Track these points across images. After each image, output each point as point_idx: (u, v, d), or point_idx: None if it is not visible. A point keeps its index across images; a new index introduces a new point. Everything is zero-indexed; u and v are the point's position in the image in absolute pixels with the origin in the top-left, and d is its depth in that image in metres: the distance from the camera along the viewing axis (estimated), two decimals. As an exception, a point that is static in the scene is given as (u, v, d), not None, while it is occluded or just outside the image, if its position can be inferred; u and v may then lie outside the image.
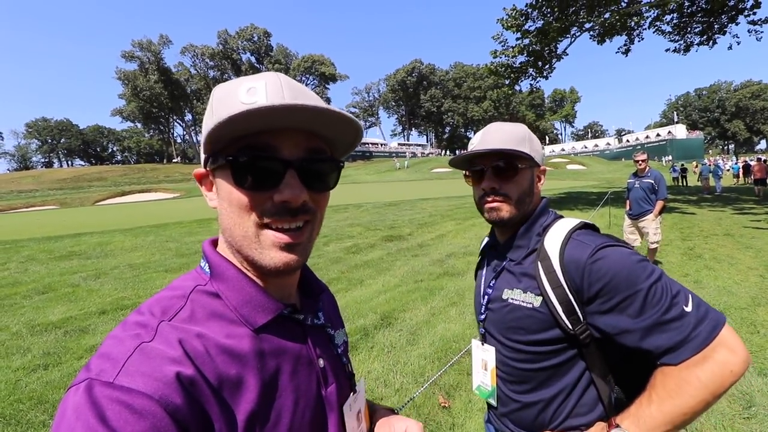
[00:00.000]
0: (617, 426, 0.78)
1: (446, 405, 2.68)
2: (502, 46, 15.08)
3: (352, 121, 0.52)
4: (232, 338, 0.50)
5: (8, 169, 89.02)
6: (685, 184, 25.45)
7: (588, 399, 0.89)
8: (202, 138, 0.51)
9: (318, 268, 6.37)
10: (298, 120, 0.50)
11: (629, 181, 5.71)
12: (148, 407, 0.39)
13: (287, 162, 0.51)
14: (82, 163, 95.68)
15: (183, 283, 0.55)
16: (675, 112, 78.98)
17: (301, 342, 0.59)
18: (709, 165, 20.88)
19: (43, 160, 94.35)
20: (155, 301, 0.52)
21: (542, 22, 14.17)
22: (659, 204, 5.34)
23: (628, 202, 5.75)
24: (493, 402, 1.03)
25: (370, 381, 3.01)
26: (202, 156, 0.55)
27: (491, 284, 1.03)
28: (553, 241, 0.89)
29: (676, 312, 0.75)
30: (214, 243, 0.60)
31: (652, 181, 5.37)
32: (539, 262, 0.89)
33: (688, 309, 0.75)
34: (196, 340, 0.47)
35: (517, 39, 14.73)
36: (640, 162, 5.52)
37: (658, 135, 61.46)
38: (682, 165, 28.10)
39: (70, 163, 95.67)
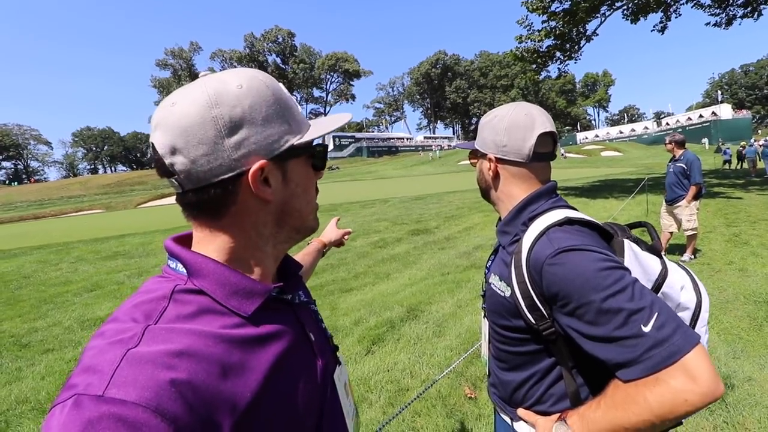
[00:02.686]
0: (563, 420, 0.80)
1: (473, 396, 2.68)
2: (528, 30, 14.57)
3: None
4: (228, 328, 0.50)
5: (61, 176, 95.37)
6: (741, 167, 22.83)
7: (557, 390, 0.90)
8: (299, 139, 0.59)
9: (345, 262, 6.48)
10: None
11: (668, 165, 5.55)
12: (144, 419, 0.37)
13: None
14: (124, 168, 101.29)
15: (158, 286, 0.52)
16: (719, 91, 73.84)
17: (292, 320, 0.61)
18: (757, 146, 19.32)
19: (88, 167, 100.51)
20: (132, 306, 0.49)
21: (570, 1, 13.58)
22: (692, 189, 5.11)
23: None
24: (487, 371, 1.12)
25: (396, 372, 3.05)
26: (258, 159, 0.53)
27: (488, 265, 1.08)
28: (531, 234, 0.87)
29: (630, 330, 0.70)
30: (177, 240, 0.58)
31: (684, 165, 5.16)
32: (514, 254, 0.89)
33: (646, 329, 0.69)
34: (189, 338, 0.45)
35: (543, 22, 14.20)
36: (667, 145, 5.39)
37: (700, 116, 57.60)
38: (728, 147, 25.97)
39: (113, 168, 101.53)
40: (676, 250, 5.65)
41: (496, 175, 1.02)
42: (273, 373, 0.51)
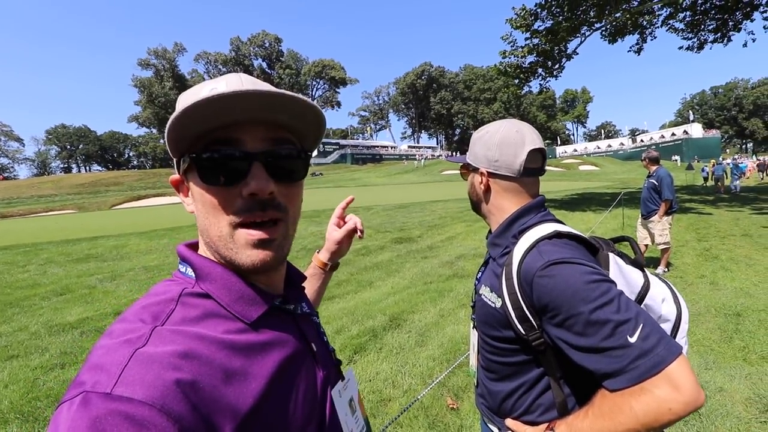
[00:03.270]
0: (551, 430, 0.82)
1: (454, 407, 2.67)
2: (512, 46, 14.96)
3: (310, 105, 0.52)
4: (231, 334, 0.50)
5: (32, 175, 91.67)
6: (708, 183, 23.81)
7: (545, 400, 0.91)
8: (164, 140, 0.52)
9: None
10: (258, 108, 0.49)
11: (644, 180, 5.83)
12: (150, 417, 0.37)
13: (252, 154, 0.51)
14: (100, 168, 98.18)
15: (167, 288, 0.53)
16: (690, 111, 77.18)
17: (294, 330, 0.60)
18: (724, 165, 20.37)
19: (62, 165, 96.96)
20: (141, 308, 0.49)
21: (552, 21, 14.04)
22: (662, 205, 5.34)
23: None
24: (475, 382, 1.12)
25: (378, 382, 3.01)
26: (175, 161, 0.55)
27: (478, 276, 1.10)
28: (521, 247, 0.89)
29: (617, 341, 0.72)
30: (190, 246, 0.59)
31: (655, 182, 5.39)
32: (504, 266, 0.91)
33: (633, 339, 0.71)
34: (194, 341, 0.46)
35: (527, 39, 14.62)
36: (644, 161, 5.63)
37: (673, 134, 60.19)
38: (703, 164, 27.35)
39: (88, 168, 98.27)
40: (651, 263, 5.82)
41: (488, 189, 1.04)
42: (274, 381, 0.51)
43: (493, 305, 0.93)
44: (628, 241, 1.08)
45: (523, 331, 0.86)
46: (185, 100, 0.52)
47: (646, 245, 5.72)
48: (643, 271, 0.94)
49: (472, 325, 1.15)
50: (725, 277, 5.15)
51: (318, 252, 1.02)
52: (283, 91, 0.48)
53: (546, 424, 0.88)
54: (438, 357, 3.36)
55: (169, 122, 0.47)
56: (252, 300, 0.54)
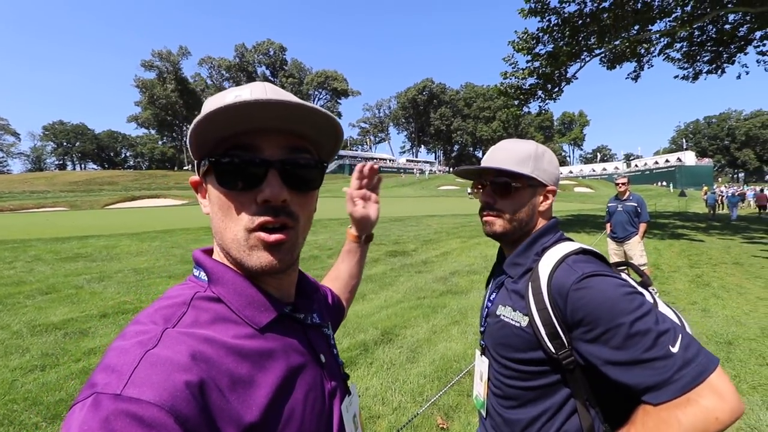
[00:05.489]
0: None
1: (444, 426, 2.61)
2: (513, 67, 15.23)
3: (330, 118, 0.53)
4: (240, 338, 0.51)
5: (26, 170, 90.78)
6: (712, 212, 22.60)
7: (571, 426, 0.87)
8: (188, 141, 0.53)
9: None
10: (278, 117, 0.50)
11: (610, 204, 5.82)
12: (159, 418, 0.38)
13: (268, 162, 0.52)
14: (95, 167, 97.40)
15: (181, 292, 0.54)
16: (684, 139, 78.94)
17: (303, 340, 0.60)
18: (718, 193, 20.71)
19: (57, 162, 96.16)
20: (154, 310, 0.51)
21: (553, 46, 14.32)
22: (642, 226, 5.49)
23: (608, 225, 5.87)
24: (483, 413, 1.05)
25: (367, 398, 2.95)
26: (196, 163, 0.57)
27: (491, 298, 1.05)
28: (547, 262, 0.88)
29: (660, 351, 0.71)
30: (206, 252, 0.61)
31: (636, 205, 5.49)
32: (530, 283, 0.89)
33: (674, 349, 0.70)
34: (203, 344, 0.47)
35: (528, 62, 14.89)
36: (621, 185, 5.66)
37: (666, 161, 61.29)
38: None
39: (83, 166, 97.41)
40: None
41: (548, 209, 1.03)
42: (280, 391, 0.51)
43: (517, 325, 0.90)
44: (628, 265, 1.09)
45: (553, 350, 0.83)
46: (210, 105, 0.53)
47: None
48: (650, 293, 0.94)
49: (479, 353, 1.10)
50: (716, 304, 5.16)
51: (350, 227, 1.04)
52: (303, 102, 0.49)
53: None
54: (429, 374, 3.31)
55: (192, 125, 0.49)
56: (262, 305, 0.55)
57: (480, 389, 1.06)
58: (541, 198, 1.01)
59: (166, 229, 12.17)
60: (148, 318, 0.49)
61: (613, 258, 5.73)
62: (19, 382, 3.14)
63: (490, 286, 1.13)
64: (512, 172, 0.96)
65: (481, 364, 1.06)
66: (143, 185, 47.02)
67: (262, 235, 0.52)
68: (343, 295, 1.01)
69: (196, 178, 0.59)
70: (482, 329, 1.07)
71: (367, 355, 3.66)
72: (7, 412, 2.73)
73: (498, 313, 0.98)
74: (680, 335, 0.72)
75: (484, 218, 1.02)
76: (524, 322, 0.88)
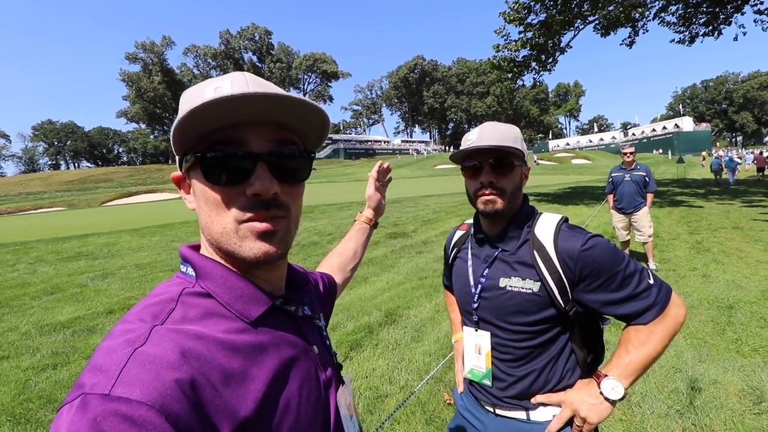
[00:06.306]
0: (606, 376, 0.94)
1: (451, 402, 2.67)
2: (505, 39, 14.90)
3: (317, 108, 0.52)
4: (231, 333, 0.50)
5: (19, 172, 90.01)
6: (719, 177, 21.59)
7: (570, 365, 1.06)
8: (170, 138, 0.52)
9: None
10: (263, 110, 0.50)
11: (615, 174, 5.45)
12: (148, 417, 0.37)
13: (256, 155, 0.51)
14: (89, 164, 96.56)
15: (168, 289, 0.53)
16: (681, 105, 78.10)
17: (295, 332, 0.59)
18: (719, 159, 20.44)
19: (50, 162, 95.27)
20: (142, 308, 0.50)
21: (545, 14, 13.98)
22: (650, 196, 5.30)
23: (611, 196, 5.56)
24: (488, 382, 1.11)
25: (374, 378, 3.01)
26: (178, 159, 0.56)
27: (484, 274, 1.10)
28: (544, 232, 1.03)
29: (644, 285, 0.96)
30: (193, 248, 0.60)
31: (644, 174, 5.24)
32: (535, 252, 1.02)
33: (651, 282, 0.97)
34: (193, 341, 0.46)
35: (520, 32, 14.56)
36: (628, 155, 5.31)
37: (664, 128, 60.62)
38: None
39: (76, 165, 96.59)
40: (639, 259, 5.86)
41: (524, 185, 1.16)
42: (273, 384, 0.51)
43: (530, 291, 1.01)
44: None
45: (563, 305, 0.99)
46: (189, 100, 0.52)
47: (627, 241, 5.62)
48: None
49: (472, 330, 1.14)
50: (717, 269, 5.20)
51: (362, 211, 1.19)
52: (288, 93, 0.48)
53: (588, 379, 1.00)
54: (434, 352, 3.36)
55: (175, 124, 0.47)
56: (252, 298, 0.54)
57: (479, 362, 1.12)
58: (524, 173, 1.13)
59: (165, 224, 12.18)
60: (136, 316, 0.48)
61: (619, 230, 5.57)
62: (33, 381, 3.19)
63: (470, 263, 1.15)
64: (518, 150, 1.04)
65: (477, 338, 1.12)
66: (139, 180, 46.68)
67: (255, 224, 0.51)
68: (342, 273, 1.06)
69: (178, 173, 0.58)
70: (475, 305, 1.11)
71: (372, 337, 3.71)
72: (24, 411, 2.79)
73: (502, 285, 1.05)
74: (648, 271, 0.98)
75: (486, 197, 1.05)
76: (536, 287, 1.01)
